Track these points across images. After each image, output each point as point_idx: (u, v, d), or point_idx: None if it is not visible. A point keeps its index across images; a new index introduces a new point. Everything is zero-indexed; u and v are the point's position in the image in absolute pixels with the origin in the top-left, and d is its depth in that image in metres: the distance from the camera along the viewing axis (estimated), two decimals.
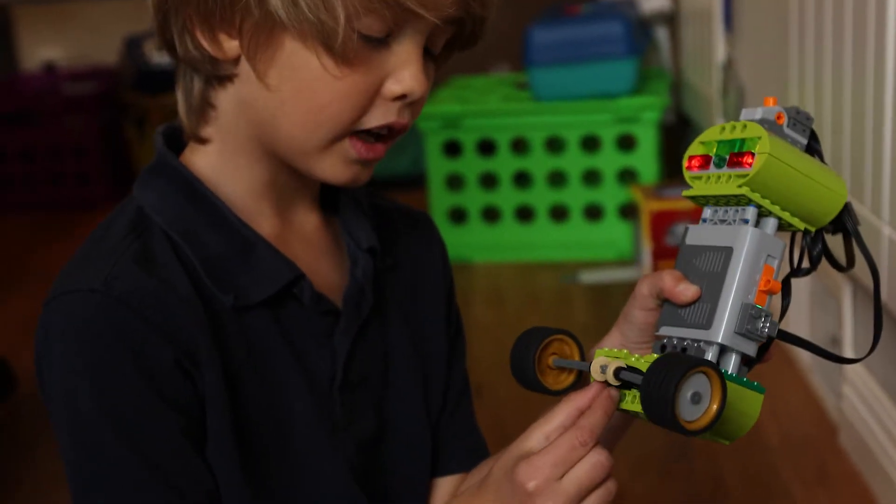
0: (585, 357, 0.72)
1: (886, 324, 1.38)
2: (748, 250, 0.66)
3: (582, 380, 0.69)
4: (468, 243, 2.63)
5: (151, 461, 0.67)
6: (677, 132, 2.96)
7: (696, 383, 0.61)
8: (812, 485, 1.49)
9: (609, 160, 2.54)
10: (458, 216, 2.68)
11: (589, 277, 2.40)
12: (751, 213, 0.67)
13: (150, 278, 0.68)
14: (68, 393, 0.67)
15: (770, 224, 0.68)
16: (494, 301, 2.45)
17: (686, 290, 0.67)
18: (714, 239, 0.68)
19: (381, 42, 0.67)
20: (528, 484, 0.65)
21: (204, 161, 0.73)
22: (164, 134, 0.75)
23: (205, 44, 0.68)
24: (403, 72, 0.68)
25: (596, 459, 0.65)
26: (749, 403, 0.68)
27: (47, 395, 0.69)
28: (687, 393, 0.61)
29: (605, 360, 0.67)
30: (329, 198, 0.80)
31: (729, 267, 0.67)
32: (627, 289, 2.49)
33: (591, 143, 2.57)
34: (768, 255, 0.67)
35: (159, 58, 3.32)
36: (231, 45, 0.68)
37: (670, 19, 2.98)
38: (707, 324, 0.66)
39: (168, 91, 3.52)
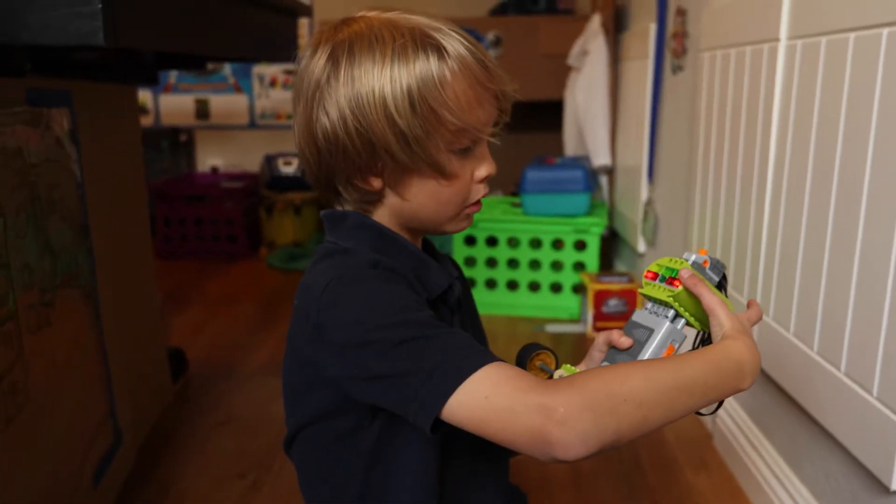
0: (559, 366, 0.73)
1: None
2: (661, 335, 0.69)
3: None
4: (476, 302, 2.64)
5: (447, 331, 0.60)
6: (610, 242, 3.01)
7: None
8: (697, 469, 1.51)
9: (569, 255, 2.58)
10: (470, 284, 2.70)
11: (552, 328, 2.42)
12: (671, 313, 0.70)
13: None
14: (364, 309, 0.60)
15: (681, 322, 0.70)
16: (491, 339, 2.40)
17: (625, 341, 0.70)
18: (647, 321, 0.70)
19: (468, 150, 0.69)
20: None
21: None
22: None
23: (361, 185, 0.69)
24: (483, 164, 0.71)
25: None
26: None
27: (334, 330, 0.61)
28: None
29: (563, 372, 0.69)
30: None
31: (648, 340, 0.69)
32: (577, 336, 2.48)
33: (558, 244, 2.61)
34: (673, 340, 0.69)
35: (285, 169, 3.38)
36: (377, 182, 0.69)
37: (611, 171, 3.05)
38: None
39: (288, 191, 3.54)
